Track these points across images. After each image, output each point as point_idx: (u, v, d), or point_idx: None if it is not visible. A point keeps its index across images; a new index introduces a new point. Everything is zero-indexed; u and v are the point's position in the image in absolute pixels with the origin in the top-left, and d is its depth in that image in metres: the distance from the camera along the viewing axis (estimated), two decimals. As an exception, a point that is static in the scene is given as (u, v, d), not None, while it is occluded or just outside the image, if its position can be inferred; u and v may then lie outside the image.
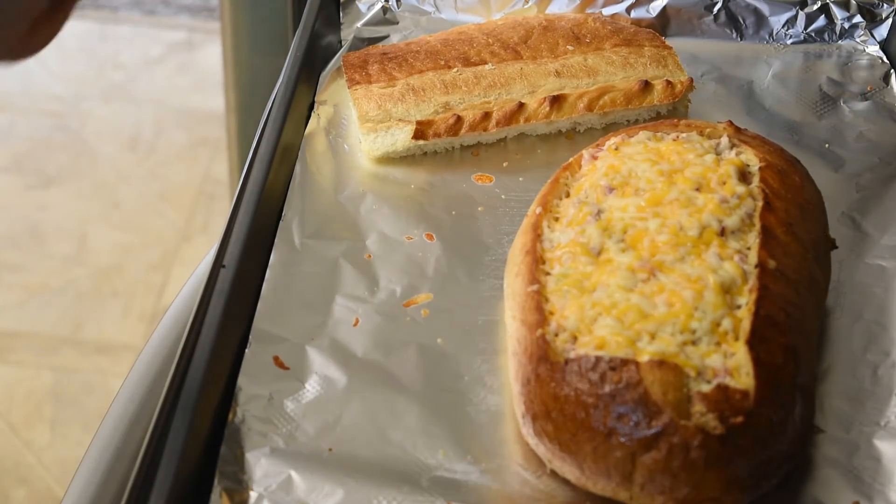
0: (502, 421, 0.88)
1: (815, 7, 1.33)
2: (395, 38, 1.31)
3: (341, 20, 1.33)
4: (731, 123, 1.01)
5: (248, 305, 0.96)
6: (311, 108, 1.20)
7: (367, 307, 0.97)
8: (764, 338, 0.82)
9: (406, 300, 0.98)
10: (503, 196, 1.10)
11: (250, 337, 0.93)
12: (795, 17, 1.33)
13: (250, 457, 0.84)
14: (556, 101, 1.15)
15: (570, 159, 1.01)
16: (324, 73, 1.24)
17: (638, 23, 1.31)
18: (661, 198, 0.91)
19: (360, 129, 1.15)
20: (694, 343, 0.82)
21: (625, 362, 0.80)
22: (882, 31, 1.32)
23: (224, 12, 1.70)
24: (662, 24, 1.33)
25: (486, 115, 1.15)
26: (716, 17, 1.33)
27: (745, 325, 0.83)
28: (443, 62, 1.18)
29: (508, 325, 0.92)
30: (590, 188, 0.95)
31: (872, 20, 1.32)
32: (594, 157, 0.99)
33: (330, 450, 0.85)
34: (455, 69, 1.17)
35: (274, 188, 1.06)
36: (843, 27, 1.32)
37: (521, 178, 1.13)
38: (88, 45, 3.15)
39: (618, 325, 0.83)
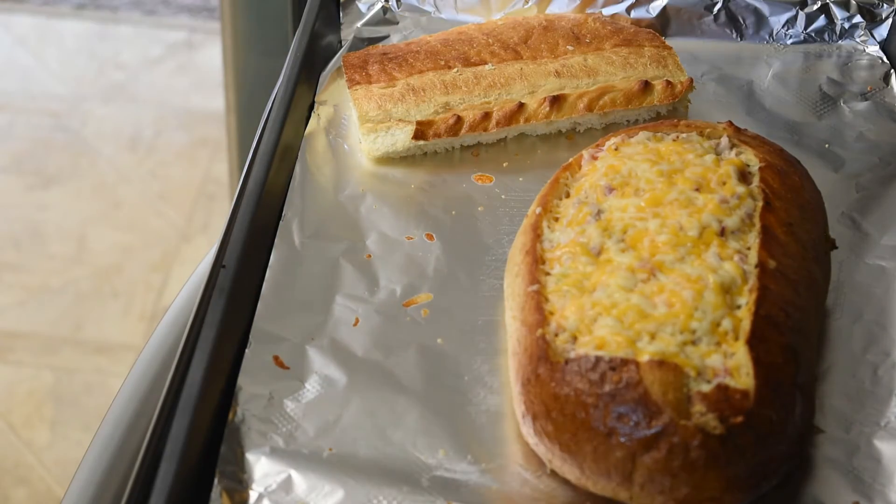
0: (502, 421, 0.88)
1: (815, 7, 1.33)
2: (395, 38, 1.31)
3: (341, 20, 1.33)
4: (731, 123, 1.02)
5: (248, 305, 0.96)
6: (311, 108, 1.20)
7: (367, 307, 0.97)
8: (764, 338, 0.82)
9: (406, 300, 0.98)
10: (503, 196, 1.10)
11: (250, 337, 0.93)
12: (795, 17, 1.33)
13: (250, 456, 0.84)
14: (556, 101, 1.15)
15: (570, 159, 1.01)
16: (324, 73, 1.24)
17: (638, 23, 1.31)
18: (661, 198, 0.91)
19: (360, 129, 1.15)
20: (694, 343, 0.82)
21: (625, 362, 0.80)
22: (882, 31, 1.32)
23: (224, 12, 1.70)
24: (662, 24, 1.33)
25: (486, 116, 1.15)
26: (716, 17, 1.33)
27: (745, 325, 0.83)
28: (443, 62, 1.18)
29: (508, 325, 0.92)
30: (590, 188, 0.95)
31: (872, 20, 1.32)
32: (594, 158, 0.99)
33: (330, 450, 0.85)
34: (455, 69, 1.17)
35: (274, 188, 1.06)
36: (843, 27, 1.32)
37: (521, 178, 1.13)
38: (88, 45, 3.15)
39: (618, 325, 0.83)
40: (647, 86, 1.17)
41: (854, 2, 1.32)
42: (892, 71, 1.27)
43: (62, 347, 2.29)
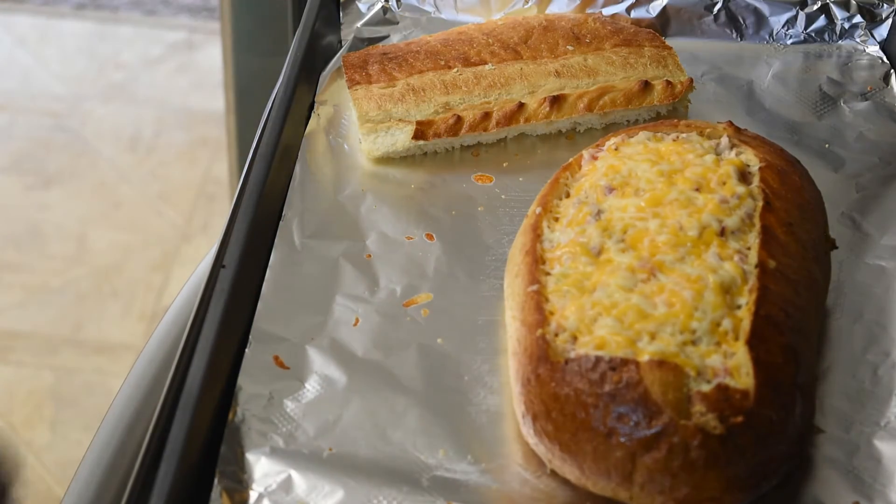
0: (502, 421, 0.88)
1: (815, 7, 1.33)
2: (395, 38, 1.31)
3: (341, 20, 1.33)
4: (731, 123, 1.02)
5: (248, 305, 0.96)
6: (311, 108, 1.20)
7: (367, 307, 0.97)
8: (764, 338, 0.82)
9: (406, 300, 0.98)
10: (503, 196, 1.10)
11: (250, 337, 0.93)
12: (795, 17, 1.33)
13: (250, 456, 0.84)
14: (556, 101, 1.15)
15: (570, 159, 1.01)
16: (324, 73, 1.24)
17: (638, 23, 1.31)
18: (661, 198, 0.91)
19: (360, 129, 1.15)
20: (694, 343, 0.82)
21: (625, 362, 0.80)
22: (882, 31, 1.32)
23: (224, 12, 1.70)
24: (662, 24, 1.33)
25: (486, 116, 1.15)
26: (716, 17, 1.33)
27: (745, 325, 0.83)
28: (443, 62, 1.18)
29: (508, 325, 0.92)
30: (590, 188, 0.95)
31: (872, 20, 1.32)
32: (594, 158, 0.99)
33: (330, 450, 0.85)
34: (455, 69, 1.17)
35: (274, 188, 1.06)
36: (843, 27, 1.32)
37: (521, 178, 1.13)
38: (88, 45, 3.15)
39: (618, 325, 0.83)
40: (647, 86, 1.17)
41: (854, 2, 1.32)
42: (892, 71, 1.27)
43: (62, 347, 2.29)
